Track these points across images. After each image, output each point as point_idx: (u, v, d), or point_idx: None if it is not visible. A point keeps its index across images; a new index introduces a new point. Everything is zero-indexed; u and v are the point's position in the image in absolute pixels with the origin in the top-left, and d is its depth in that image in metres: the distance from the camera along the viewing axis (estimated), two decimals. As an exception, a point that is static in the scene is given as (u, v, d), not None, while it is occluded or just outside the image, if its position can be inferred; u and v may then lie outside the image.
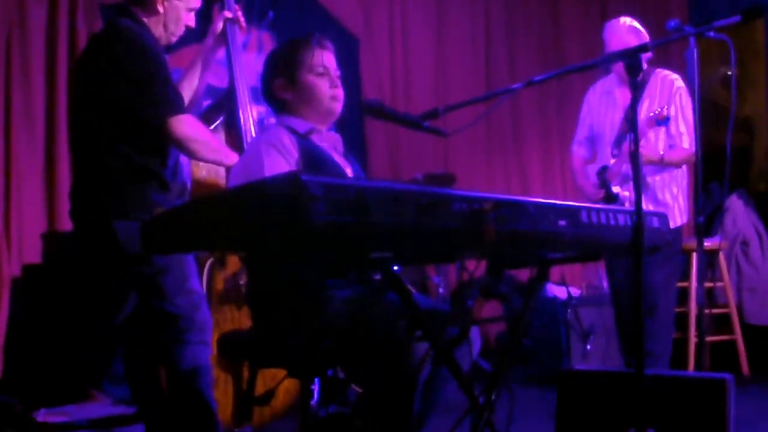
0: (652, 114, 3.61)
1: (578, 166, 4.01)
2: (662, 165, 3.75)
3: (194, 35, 3.02)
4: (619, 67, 3.71)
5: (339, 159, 2.36)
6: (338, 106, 2.33)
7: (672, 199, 3.81)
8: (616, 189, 3.75)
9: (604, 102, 3.91)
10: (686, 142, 3.76)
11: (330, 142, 2.36)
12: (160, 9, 2.56)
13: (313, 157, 2.21)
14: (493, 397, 2.03)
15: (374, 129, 5.23)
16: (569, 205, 1.91)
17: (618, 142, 3.75)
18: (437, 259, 1.61)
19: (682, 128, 3.75)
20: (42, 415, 2.46)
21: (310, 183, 1.25)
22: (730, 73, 5.50)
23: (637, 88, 2.02)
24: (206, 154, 2.55)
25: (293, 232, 1.25)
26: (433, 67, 5.56)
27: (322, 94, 2.30)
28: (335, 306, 2.10)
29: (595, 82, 3.95)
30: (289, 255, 1.61)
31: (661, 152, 3.70)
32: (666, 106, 3.61)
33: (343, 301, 2.10)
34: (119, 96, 2.43)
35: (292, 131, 2.25)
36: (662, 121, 3.59)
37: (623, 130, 3.76)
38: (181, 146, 2.46)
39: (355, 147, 5.06)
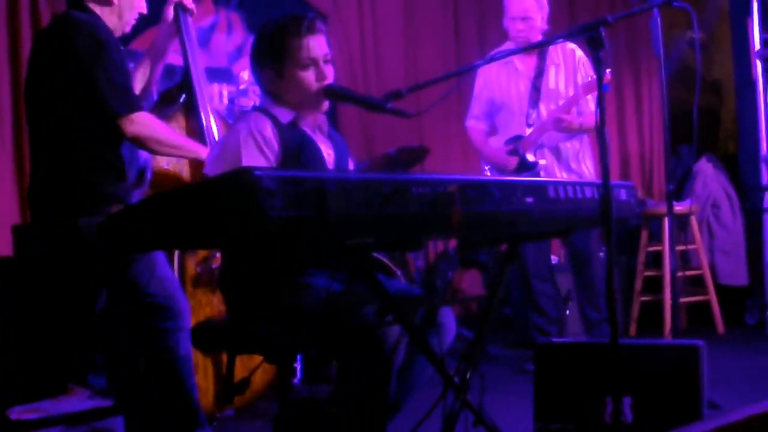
0: (590, 78, 3.63)
1: (480, 139, 3.99)
2: (580, 132, 3.82)
3: (158, 18, 2.97)
4: (516, 36, 3.74)
5: (322, 141, 2.33)
6: (327, 97, 2.27)
7: (584, 167, 3.88)
8: (531, 157, 3.78)
9: (503, 72, 3.89)
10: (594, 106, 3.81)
11: (314, 124, 2.33)
12: (115, 0, 2.55)
13: (294, 149, 2.17)
14: (467, 375, 2.04)
15: (347, 106, 5.18)
16: (536, 181, 1.90)
17: (531, 112, 3.77)
18: (406, 246, 1.60)
19: (589, 96, 3.76)
20: (17, 413, 2.43)
21: (264, 178, 1.22)
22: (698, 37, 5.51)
23: (600, 63, 1.99)
24: (162, 151, 2.58)
25: (250, 229, 1.23)
26: (403, 41, 5.51)
27: (308, 89, 2.23)
28: (308, 293, 2.10)
29: (488, 54, 3.76)
30: (250, 250, 1.59)
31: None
32: (607, 70, 3.63)
33: (315, 288, 2.09)
34: (74, 91, 2.42)
35: (276, 122, 2.21)
36: (604, 85, 3.61)
37: (533, 99, 3.79)
38: (136, 143, 2.49)
39: (329, 124, 5.01)
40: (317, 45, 2.23)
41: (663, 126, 3.04)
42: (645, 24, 3.87)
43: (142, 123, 2.45)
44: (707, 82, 5.84)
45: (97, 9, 2.53)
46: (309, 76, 2.22)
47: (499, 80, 3.89)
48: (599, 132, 2.01)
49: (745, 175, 5.13)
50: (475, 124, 4.01)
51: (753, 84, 4.86)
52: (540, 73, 3.83)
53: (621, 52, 5.72)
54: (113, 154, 2.49)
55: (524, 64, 3.86)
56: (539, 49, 3.84)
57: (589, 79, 3.64)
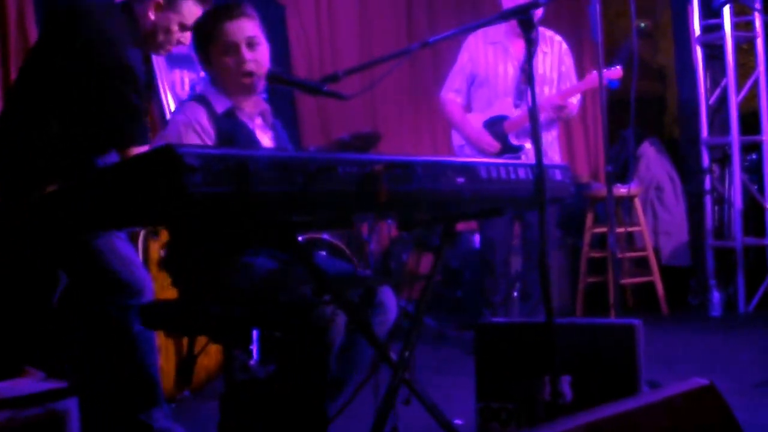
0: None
1: (458, 113, 3.97)
2: (565, 120, 3.94)
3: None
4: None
5: (263, 131, 2.34)
6: (252, 81, 2.26)
7: (555, 155, 3.95)
8: (514, 140, 3.83)
9: (491, 52, 3.91)
10: (576, 98, 3.89)
11: (256, 113, 2.34)
12: (152, 17, 2.46)
13: (229, 137, 2.19)
14: (406, 354, 2.07)
15: (304, 91, 5.19)
16: (467, 162, 1.92)
17: (520, 94, 3.80)
18: (336, 225, 1.61)
19: (570, 85, 3.87)
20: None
21: (187, 154, 1.24)
22: (643, 25, 5.62)
23: (532, 44, 2.04)
24: None
25: (171, 205, 1.24)
26: (358, 29, 5.56)
27: (231, 73, 2.25)
28: (247, 273, 2.11)
29: (476, 31, 3.84)
30: (176, 227, 1.60)
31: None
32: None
33: (254, 268, 2.11)
34: (87, 99, 2.34)
35: (211, 110, 2.23)
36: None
37: (523, 82, 3.81)
38: None
39: (286, 111, 5.02)
40: (237, 29, 2.24)
41: (601, 110, 3.10)
42: (588, 10, 3.95)
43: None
44: (652, 69, 5.95)
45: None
46: (229, 60, 2.25)
47: (486, 58, 3.89)
48: (531, 113, 2.06)
49: (688, 158, 5.25)
50: (454, 98, 3.98)
51: (694, 69, 4.97)
52: (531, 58, 3.85)
53: (564, 39, 5.80)
54: (95, 154, 2.44)
55: (516, 48, 3.86)
56: (532, 36, 3.86)
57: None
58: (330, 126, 5.33)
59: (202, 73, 4.27)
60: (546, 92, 3.84)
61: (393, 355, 2.01)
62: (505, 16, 2.13)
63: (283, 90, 5.20)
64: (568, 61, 3.94)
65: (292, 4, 5.26)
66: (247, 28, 2.25)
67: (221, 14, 2.25)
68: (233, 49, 2.24)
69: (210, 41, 2.26)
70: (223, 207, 1.28)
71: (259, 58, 2.26)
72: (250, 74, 2.25)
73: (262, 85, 2.30)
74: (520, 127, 3.80)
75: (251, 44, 2.25)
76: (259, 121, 2.35)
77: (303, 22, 5.30)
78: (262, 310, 1.99)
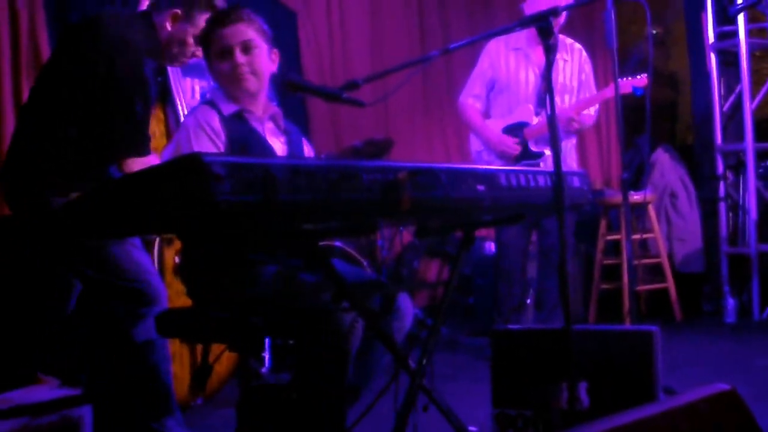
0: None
1: (478, 118, 3.96)
2: (579, 132, 3.91)
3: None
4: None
5: (274, 135, 2.35)
6: (248, 83, 2.28)
7: (573, 163, 3.95)
8: (534, 148, 3.83)
9: (512, 58, 3.90)
10: (593, 108, 3.89)
11: (266, 117, 2.35)
12: (168, 27, 2.51)
13: (239, 141, 2.21)
14: (423, 362, 2.07)
15: (316, 98, 5.19)
16: (487, 169, 1.92)
17: (542, 101, 3.80)
18: (359, 231, 1.61)
19: (590, 95, 3.87)
20: (-15, 404, 2.41)
21: (214, 163, 1.24)
22: (655, 32, 5.62)
23: (550, 51, 2.05)
24: None
25: (198, 213, 1.24)
26: (370, 35, 5.56)
27: (227, 77, 2.28)
28: (263, 280, 2.12)
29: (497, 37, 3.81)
30: (200, 236, 1.60)
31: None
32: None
33: (271, 276, 2.12)
34: (100, 106, 2.38)
35: (221, 114, 2.25)
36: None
37: (544, 90, 3.80)
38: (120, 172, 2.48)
39: (298, 117, 5.03)
40: (230, 34, 2.27)
41: (616, 117, 3.10)
42: (602, 18, 3.94)
43: (142, 164, 2.40)
44: (665, 75, 5.95)
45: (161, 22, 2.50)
46: (225, 65, 2.27)
47: (507, 64, 3.89)
48: (550, 120, 2.06)
49: (701, 164, 5.24)
50: (473, 103, 3.98)
51: (707, 76, 4.97)
52: (550, 65, 3.86)
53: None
54: (101, 166, 2.47)
55: (538, 55, 3.86)
56: (551, 43, 3.87)
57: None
58: (342, 133, 5.34)
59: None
60: (566, 100, 3.83)
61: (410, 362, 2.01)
62: (524, 23, 2.13)
63: (295, 97, 5.22)
64: (588, 69, 3.93)
65: (303, 10, 5.27)
66: (243, 32, 2.27)
67: (218, 20, 2.29)
68: (228, 53, 2.26)
69: (209, 47, 2.29)
70: (249, 215, 1.29)
71: (255, 61, 2.28)
72: (244, 77, 2.27)
73: (261, 88, 2.32)
74: (541, 135, 3.79)
75: (246, 48, 2.27)
76: (270, 125, 2.37)
77: (315, 28, 5.30)
78: (281, 318, 2.00)
